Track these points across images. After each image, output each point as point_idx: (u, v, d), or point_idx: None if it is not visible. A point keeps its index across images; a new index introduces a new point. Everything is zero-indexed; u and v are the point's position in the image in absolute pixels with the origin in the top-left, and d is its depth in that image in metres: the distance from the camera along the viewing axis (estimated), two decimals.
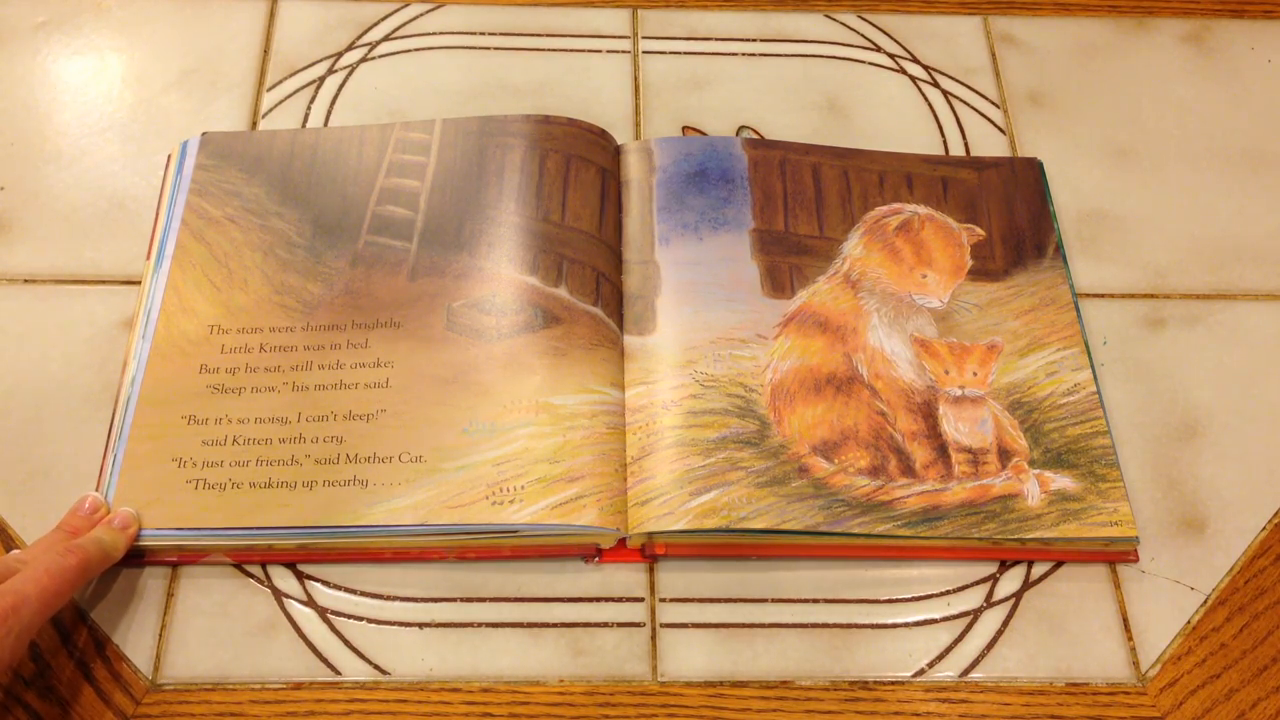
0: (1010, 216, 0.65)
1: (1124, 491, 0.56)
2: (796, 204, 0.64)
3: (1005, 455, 0.57)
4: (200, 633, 0.53)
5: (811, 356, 0.59)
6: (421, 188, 0.63)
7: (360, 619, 0.54)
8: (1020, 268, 0.63)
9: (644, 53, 0.73)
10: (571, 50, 0.73)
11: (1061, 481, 0.56)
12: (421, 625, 0.54)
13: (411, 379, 0.57)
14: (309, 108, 0.69)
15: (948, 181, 0.66)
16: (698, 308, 0.60)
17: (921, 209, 0.65)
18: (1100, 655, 0.54)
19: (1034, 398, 0.59)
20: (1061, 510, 0.55)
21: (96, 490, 0.54)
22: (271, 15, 0.73)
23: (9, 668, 0.48)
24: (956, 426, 0.58)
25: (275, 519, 0.53)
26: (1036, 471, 0.57)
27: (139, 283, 0.62)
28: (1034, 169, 0.67)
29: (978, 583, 0.56)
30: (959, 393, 0.59)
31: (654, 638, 0.54)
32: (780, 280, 0.62)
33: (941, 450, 0.57)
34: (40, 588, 0.47)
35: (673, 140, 0.67)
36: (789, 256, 0.62)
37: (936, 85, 0.73)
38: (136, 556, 0.53)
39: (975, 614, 0.55)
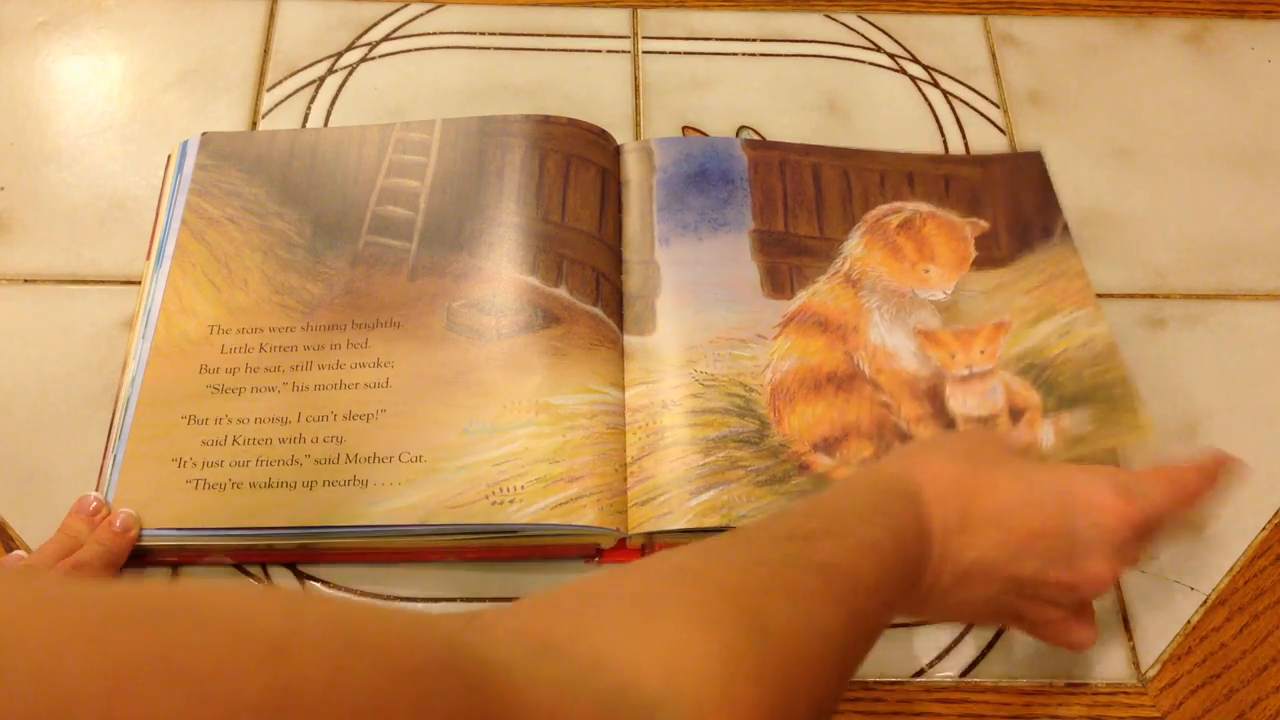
0: (1015, 208, 0.65)
1: (1141, 402, 0.56)
2: (796, 204, 0.64)
3: (1017, 415, 0.57)
4: None
5: (811, 356, 0.59)
6: (421, 188, 0.63)
7: None
8: (1028, 250, 0.63)
9: (644, 53, 0.73)
10: (571, 50, 0.73)
11: (1076, 417, 0.56)
12: None
13: (411, 379, 0.57)
14: (309, 108, 0.69)
15: (950, 179, 0.66)
16: (698, 308, 0.60)
17: (924, 206, 0.65)
18: (1100, 655, 0.54)
19: (1046, 358, 0.58)
20: (1076, 439, 0.55)
21: (96, 490, 0.54)
22: (271, 15, 0.73)
23: None
24: (964, 401, 0.57)
25: (275, 519, 0.53)
26: (1050, 419, 0.56)
27: (139, 283, 0.62)
28: (1036, 161, 0.67)
29: None
30: (967, 372, 0.58)
31: None
32: (780, 281, 0.62)
33: (949, 426, 0.57)
34: None
35: (673, 140, 0.67)
36: (789, 257, 0.62)
37: (936, 85, 0.72)
38: (137, 557, 0.53)
39: None
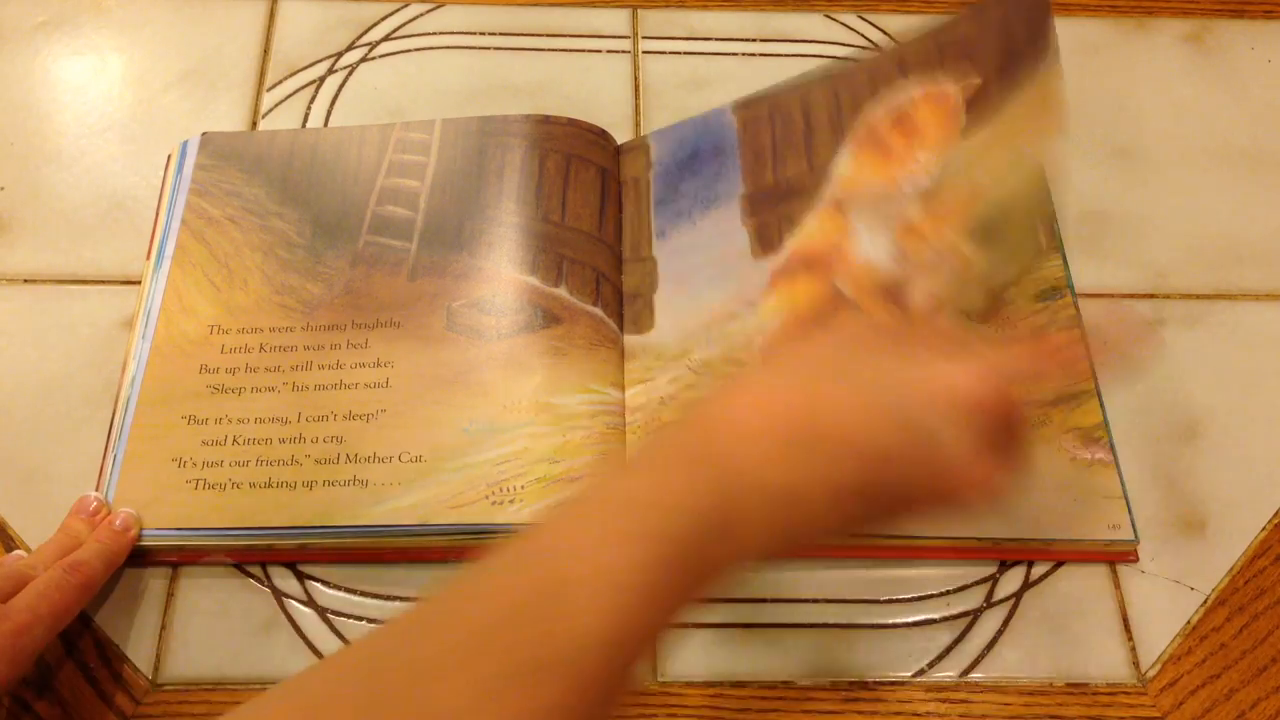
0: (1009, 47, 0.56)
1: (1041, 221, 0.51)
2: (785, 147, 0.62)
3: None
4: (200, 633, 0.53)
5: (800, 303, 0.57)
6: (421, 188, 0.63)
7: (360, 619, 0.54)
8: (1016, 90, 0.55)
9: (644, 53, 0.73)
10: (571, 50, 0.73)
11: (981, 252, 0.52)
12: None
13: (411, 379, 0.57)
14: (309, 108, 0.69)
15: (943, 46, 0.59)
16: (690, 295, 0.60)
17: (915, 88, 0.58)
18: (1100, 655, 0.54)
19: (992, 205, 0.53)
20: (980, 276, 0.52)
21: (96, 490, 0.54)
22: (271, 15, 0.73)
23: (17, 682, 0.48)
24: (926, 291, 0.53)
25: (275, 519, 0.53)
26: (958, 257, 0.52)
27: (139, 283, 0.62)
28: None
29: (978, 583, 0.56)
30: (935, 259, 0.53)
31: None
32: (769, 237, 0.60)
33: None
34: (52, 605, 0.48)
35: (667, 129, 0.66)
36: (778, 207, 0.60)
37: None
38: (136, 557, 0.53)
39: (975, 614, 0.55)
